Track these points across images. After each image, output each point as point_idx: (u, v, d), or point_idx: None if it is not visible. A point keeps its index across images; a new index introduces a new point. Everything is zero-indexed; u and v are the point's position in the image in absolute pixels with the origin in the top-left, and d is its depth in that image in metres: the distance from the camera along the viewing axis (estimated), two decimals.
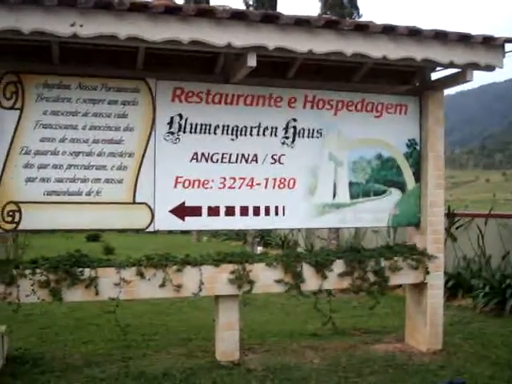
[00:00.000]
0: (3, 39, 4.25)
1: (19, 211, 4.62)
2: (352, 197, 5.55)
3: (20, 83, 4.65)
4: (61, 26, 4.01)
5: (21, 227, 4.66)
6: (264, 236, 16.71)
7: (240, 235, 18.97)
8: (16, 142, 4.62)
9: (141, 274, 4.79)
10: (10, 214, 4.61)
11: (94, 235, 18.63)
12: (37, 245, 11.31)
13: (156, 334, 6.52)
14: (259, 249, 14.16)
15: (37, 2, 3.92)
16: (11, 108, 4.63)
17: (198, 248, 15.08)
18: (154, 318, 7.45)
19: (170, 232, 17.36)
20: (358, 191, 5.57)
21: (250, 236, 15.55)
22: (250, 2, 21.88)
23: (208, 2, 21.25)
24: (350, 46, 4.61)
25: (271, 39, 4.42)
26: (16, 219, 4.62)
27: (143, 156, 4.92)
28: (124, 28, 4.10)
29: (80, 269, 4.66)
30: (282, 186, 5.32)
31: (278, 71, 5.46)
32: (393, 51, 4.74)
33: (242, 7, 19.66)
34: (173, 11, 4.18)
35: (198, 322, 7.15)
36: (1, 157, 4.58)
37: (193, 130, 5.07)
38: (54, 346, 5.91)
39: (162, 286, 4.83)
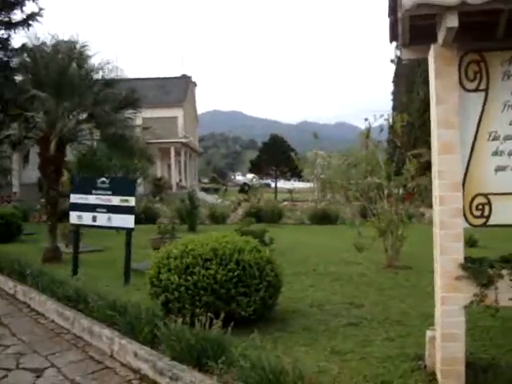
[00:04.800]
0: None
1: (489, 204, 4.16)
2: None
3: (483, 62, 4.18)
4: None
5: (491, 222, 4.18)
6: None
7: None
8: (482, 128, 4.17)
9: None
10: (479, 207, 4.17)
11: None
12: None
13: None
14: None
15: None
16: (475, 90, 4.19)
17: None
18: None
19: None
20: None
21: None
22: None
23: None
24: None
25: None
26: (485, 213, 4.17)
27: None
28: None
29: None
30: None
31: None
32: None
33: None
34: None
35: None
36: (466, 145, 4.18)
37: None
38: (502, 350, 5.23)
39: None
